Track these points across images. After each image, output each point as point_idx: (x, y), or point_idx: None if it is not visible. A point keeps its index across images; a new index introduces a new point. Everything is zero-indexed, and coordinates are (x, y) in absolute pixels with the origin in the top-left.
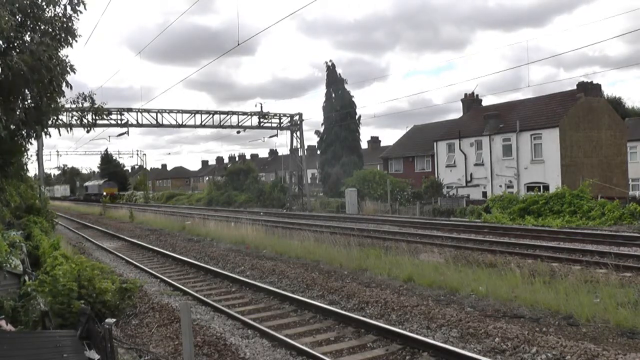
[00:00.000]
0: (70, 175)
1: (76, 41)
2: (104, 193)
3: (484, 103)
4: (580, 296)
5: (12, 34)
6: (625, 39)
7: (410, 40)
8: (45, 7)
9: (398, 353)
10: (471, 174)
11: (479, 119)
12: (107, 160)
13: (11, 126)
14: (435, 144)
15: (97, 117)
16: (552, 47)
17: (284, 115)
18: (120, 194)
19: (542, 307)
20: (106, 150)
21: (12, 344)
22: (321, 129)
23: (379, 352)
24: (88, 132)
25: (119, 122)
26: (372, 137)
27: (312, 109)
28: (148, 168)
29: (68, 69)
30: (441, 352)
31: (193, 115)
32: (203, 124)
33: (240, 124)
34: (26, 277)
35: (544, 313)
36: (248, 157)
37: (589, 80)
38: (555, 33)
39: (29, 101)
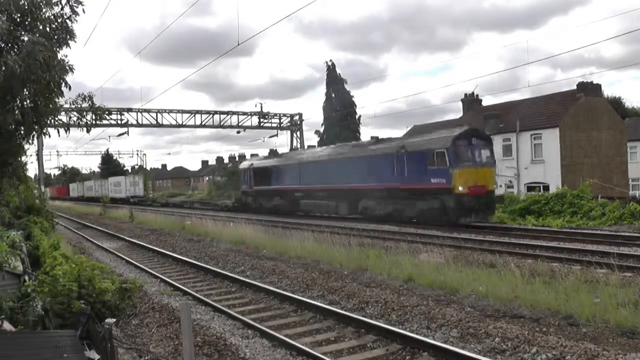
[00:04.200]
0: (71, 174)
1: (74, 41)
2: None
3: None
4: (581, 296)
5: (12, 34)
6: (620, 40)
7: (407, 42)
8: (43, 7)
9: (398, 353)
10: None
11: (479, 119)
12: (108, 160)
13: (9, 127)
14: None
15: (96, 118)
16: (550, 49)
17: (284, 115)
18: None
19: (542, 307)
20: (107, 150)
21: (12, 344)
22: (321, 129)
23: (379, 352)
24: (88, 132)
25: (118, 122)
26: (372, 137)
27: (311, 110)
28: (148, 168)
29: (67, 68)
30: (441, 352)
31: (193, 115)
32: (203, 124)
33: (240, 124)
34: (26, 277)
35: (544, 313)
36: (248, 157)
37: (589, 81)
38: (552, 34)
39: (27, 102)
